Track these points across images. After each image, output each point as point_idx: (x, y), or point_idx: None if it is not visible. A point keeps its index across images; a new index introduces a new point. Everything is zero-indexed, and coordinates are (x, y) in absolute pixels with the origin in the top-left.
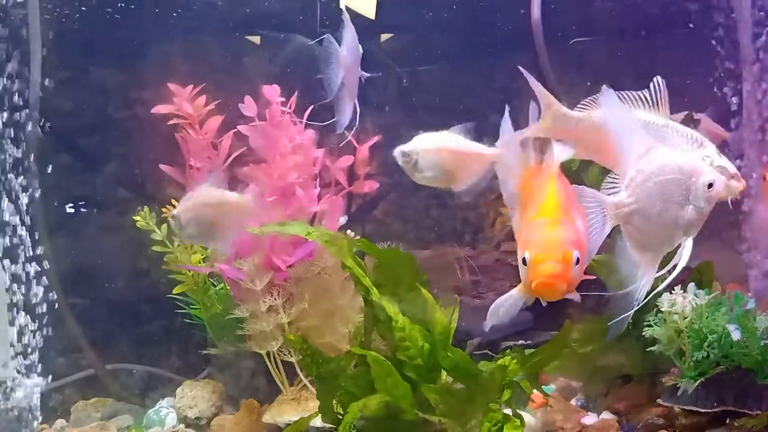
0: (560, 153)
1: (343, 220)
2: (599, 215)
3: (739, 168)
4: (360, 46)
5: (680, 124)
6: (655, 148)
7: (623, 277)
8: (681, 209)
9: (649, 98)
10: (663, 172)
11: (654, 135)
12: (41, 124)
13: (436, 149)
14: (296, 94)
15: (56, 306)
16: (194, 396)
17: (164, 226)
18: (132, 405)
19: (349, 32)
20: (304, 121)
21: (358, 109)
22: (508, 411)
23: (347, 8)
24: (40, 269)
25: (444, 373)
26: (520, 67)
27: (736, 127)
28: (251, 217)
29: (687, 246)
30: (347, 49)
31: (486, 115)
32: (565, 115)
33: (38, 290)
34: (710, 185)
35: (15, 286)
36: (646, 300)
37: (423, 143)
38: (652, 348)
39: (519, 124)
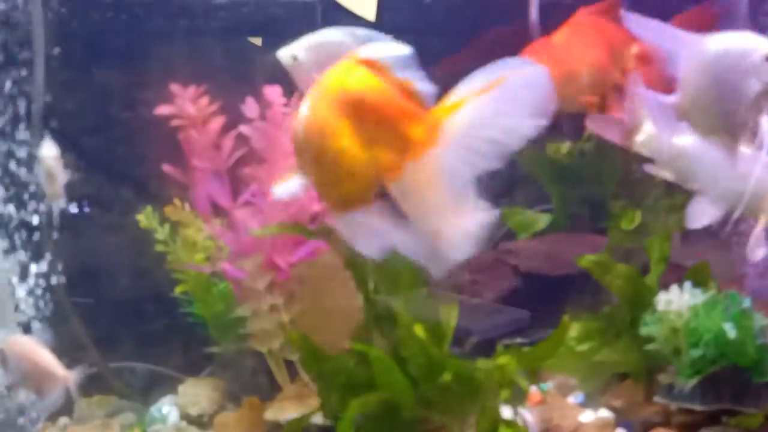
0: None
1: None
2: (664, 117)
3: None
4: None
5: None
6: (701, 41)
7: (712, 175)
8: (743, 89)
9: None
10: (713, 65)
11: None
12: (45, 122)
13: None
14: None
15: (60, 304)
16: (196, 394)
17: (167, 226)
18: (134, 403)
19: None
20: None
21: None
22: (509, 411)
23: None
24: (43, 268)
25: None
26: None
27: None
28: None
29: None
30: None
31: None
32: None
33: (41, 289)
34: None
35: (17, 286)
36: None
37: None
38: (649, 346)
39: None
